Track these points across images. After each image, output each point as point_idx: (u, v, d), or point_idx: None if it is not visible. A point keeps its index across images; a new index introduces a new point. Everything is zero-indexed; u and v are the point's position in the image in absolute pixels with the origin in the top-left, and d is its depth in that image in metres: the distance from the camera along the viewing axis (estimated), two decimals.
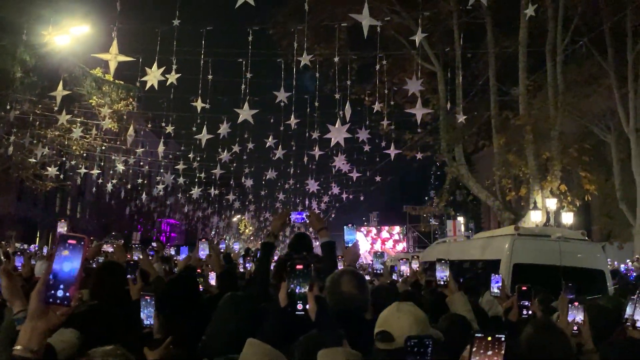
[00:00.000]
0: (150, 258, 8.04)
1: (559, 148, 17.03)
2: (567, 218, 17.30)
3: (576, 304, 3.91)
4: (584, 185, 17.49)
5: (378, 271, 4.12)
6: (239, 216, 59.01)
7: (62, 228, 4.41)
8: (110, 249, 6.25)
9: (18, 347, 1.52)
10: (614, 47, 18.15)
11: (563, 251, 8.27)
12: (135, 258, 4.24)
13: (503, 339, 1.85)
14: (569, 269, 8.11)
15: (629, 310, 3.67)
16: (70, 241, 1.57)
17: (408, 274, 5.60)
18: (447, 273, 3.45)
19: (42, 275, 1.56)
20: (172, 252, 10.98)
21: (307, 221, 3.79)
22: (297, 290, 2.21)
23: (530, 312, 4.11)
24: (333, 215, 42.25)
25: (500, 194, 18.69)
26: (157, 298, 3.10)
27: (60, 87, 11.30)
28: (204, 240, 3.66)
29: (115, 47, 9.23)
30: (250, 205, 40.95)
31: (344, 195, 30.59)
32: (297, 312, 2.19)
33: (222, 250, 7.35)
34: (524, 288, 4.18)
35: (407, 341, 1.92)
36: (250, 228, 68.32)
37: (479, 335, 1.86)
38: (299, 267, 2.23)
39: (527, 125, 16.98)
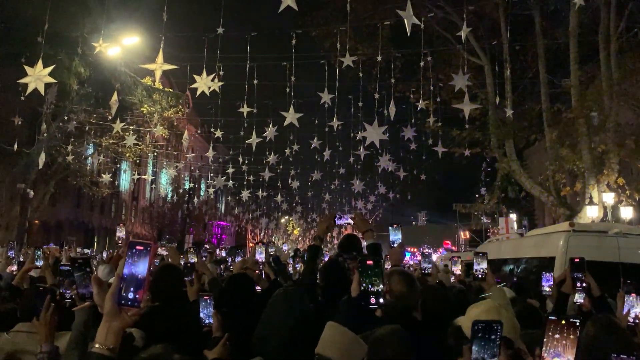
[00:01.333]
0: (203, 259, 8.27)
1: (615, 140, 16.33)
2: (626, 213, 16.59)
3: (633, 295, 3.77)
4: None
5: (426, 271, 4.09)
6: (286, 217, 59.54)
7: (120, 232, 4.61)
8: (165, 252, 6.46)
9: (96, 345, 1.66)
10: None
11: (622, 247, 7.94)
12: (192, 261, 4.37)
13: (578, 323, 1.84)
14: (629, 265, 7.77)
15: None
16: (138, 247, 1.70)
17: (459, 272, 5.53)
18: (485, 265, 3.40)
19: (115, 279, 1.68)
20: (224, 253, 11.22)
21: (352, 223, 3.81)
22: (369, 287, 2.29)
23: (584, 284, 3.99)
24: (380, 215, 42.04)
25: (555, 189, 18.09)
26: (215, 297, 3.21)
27: (114, 96, 11.74)
28: (260, 244, 3.75)
29: (160, 57, 9.52)
30: (298, 206, 41.27)
31: (391, 195, 30.31)
32: (370, 306, 2.27)
33: (271, 253, 7.48)
34: (577, 260, 4.06)
35: (475, 326, 1.87)
36: (298, 229, 68.83)
37: (553, 318, 1.86)
38: (369, 262, 2.30)
39: (580, 117, 16.38)
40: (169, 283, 3.60)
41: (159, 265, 4.22)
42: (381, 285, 2.27)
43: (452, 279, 6.17)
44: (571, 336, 1.83)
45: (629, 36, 17.24)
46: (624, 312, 3.96)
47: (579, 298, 4.24)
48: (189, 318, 3.17)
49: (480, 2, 17.91)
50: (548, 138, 18.10)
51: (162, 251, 6.47)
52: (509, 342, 2.38)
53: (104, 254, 9.01)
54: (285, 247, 8.32)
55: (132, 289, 1.67)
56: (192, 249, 4.44)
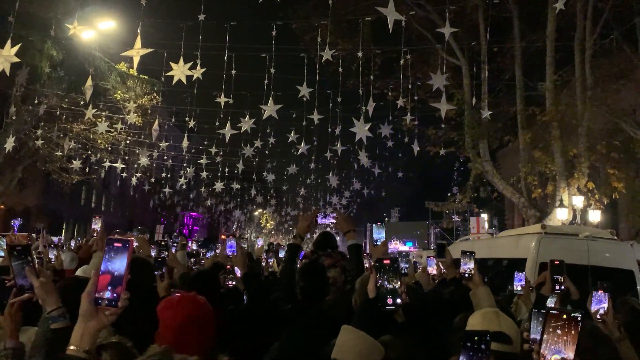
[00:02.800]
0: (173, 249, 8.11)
1: (587, 144, 16.68)
2: (595, 216, 16.96)
3: (600, 292, 3.81)
4: (612, 182, 17.11)
5: (403, 271, 4.02)
6: (260, 210, 59.22)
7: (96, 224, 4.43)
8: (135, 244, 6.28)
9: (72, 347, 1.58)
10: None
11: (591, 250, 8.09)
12: (163, 254, 4.24)
13: (579, 318, 1.76)
14: (598, 268, 7.93)
15: None
16: (116, 244, 1.62)
17: (435, 272, 5.54)
18: (472, 265, 3.36)
19: (92, 277, 1.60)
20: (194, 247, 11.03)
21: (335, 222, 3.77)
22: (386, 285, 2.21)
23: (562, 287, 4.02)
24: (354, 211, 42.18)
25: (526, 191, 18.39)
26: None
27: (89, 81, 11.44)
28: (231, 237, 3.64)
29: (138, 43, 9.33)
30: (272, 199, 41.10)
31: (366, 191, 30.45)
32: (387, 307, 2.20)
33: (244, 247, 7.37)
34: (557, 262, 4.08)
35: (465, 336, 1.83)
36: (272, 222, 68.60)
37: (554, 312, 1.79)
38: (386, 262, 2.23)
39: (554, 121, 16.66)
40: (139, 278, 3.47)
41: None
42: (398, 283, 2.20)
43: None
44: (572, 332, 1.75)
45: (603, 43, 17.58)
46: (593, 310, 3.99)
47: (550, 302, 4.27)
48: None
49: (460, 2, 18.00)
50: (522, 140, 18.37)
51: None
52: (508, 338, 2.33)
53: (72, 243, 8.75)
54: (259, 242, 8.18)
55: (109, 288, 1.59)
56: (163, 242, 4.29)
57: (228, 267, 4.41)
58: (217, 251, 6.92)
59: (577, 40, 17.06)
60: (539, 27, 18.48)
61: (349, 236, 3.56)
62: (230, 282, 3.91)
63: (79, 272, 4.98)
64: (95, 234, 4.34)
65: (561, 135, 16.87)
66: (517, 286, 4.41)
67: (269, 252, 7.18)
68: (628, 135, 20.12)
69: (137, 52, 9.66)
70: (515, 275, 4.48)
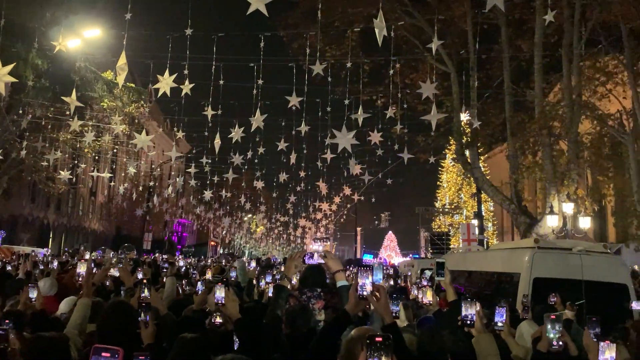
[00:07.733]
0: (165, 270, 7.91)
1: (576, 151, 16.67)
2: (585, 222, 16.95)
3: (607, 342, 3.63)
4: (602, 189, 17.14)
5: (394, 314, 3.74)
6: (250, 215, 58.89)
7: (81, 269, 4.25)
8: (117, 274, 6.10)
9: None
10: (631, 46, 17.73)
11: (585, 265, 8.03)
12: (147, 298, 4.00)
13: None
14: (591, 283, 7.87)
15: None
16: (104, 354, 1.54)
17: (429, 302, 5.41)
18: (474, 311, 3.23)
19: None
20: (181, 263, 10.84)
21: (323, 262, 3.61)
22: None
23: (560, 342, 3.82)
24: (344, 217, 42.09)
25: (516, 197, 18.35)
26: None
27: (73, 95, 11.23)
28: (220, 284, 3.48)
29: (123, 57, 9.14)
30: (262, 206, 40.97)
31: (356, 197, 30.38)
32: None
33: (232, 279, 7.19)
34: (553, 317, 3.90)
35: None
36: (262, 227, 68.23)
37: None
38: (378, 339, 2.09)
39: (543, 128, 16.62)
40: (120, 323, 3.30)
41: (110, 302, 3.91)
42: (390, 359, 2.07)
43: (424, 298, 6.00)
44: None
45: (593, 51, 17.61)
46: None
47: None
48: None
49: (448, 11, 17.95)
50: (511, 148, 18.34)
51: (114, 272, 6.08)
52: None
53: (55, 264, 8.50)
54: (252, 265, 8.02)
55: None
56: (144, 283, 4.04)
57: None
58: (207, 275, 6.76)
59: (565, 46, 17.04)
60: (527, 33, 18.48)
61: (338, 276, 3.41)
62: (216, 319, 3.72)
63: (61, 306, 4.79)
64: (80, 279, 4.19)
65: (550, 142, 16.84)
66: (498, 322, 4.14)
67: (260, 275, 7.01)
68: (616, 140, 20.21)
69: (124, 66, 9.50)
70: (496, 311, 4.18)
